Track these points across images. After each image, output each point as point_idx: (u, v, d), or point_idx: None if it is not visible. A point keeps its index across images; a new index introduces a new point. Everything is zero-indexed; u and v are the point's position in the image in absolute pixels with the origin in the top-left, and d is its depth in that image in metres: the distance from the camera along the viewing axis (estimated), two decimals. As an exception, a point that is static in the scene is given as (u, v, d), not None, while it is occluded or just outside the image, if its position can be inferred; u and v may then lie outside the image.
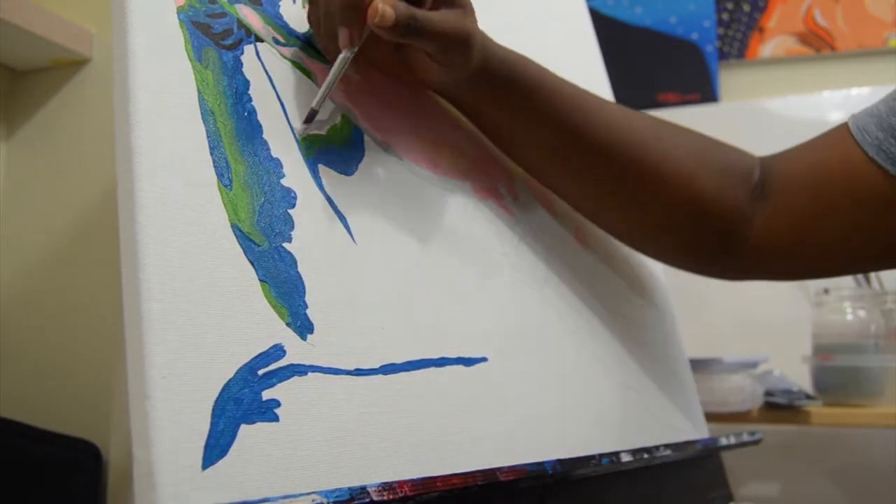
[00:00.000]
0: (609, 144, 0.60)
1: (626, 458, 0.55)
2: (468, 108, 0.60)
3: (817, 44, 1.49)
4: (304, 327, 0.40)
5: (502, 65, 0.58)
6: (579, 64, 0.86)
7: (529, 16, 0.79)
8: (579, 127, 0.60)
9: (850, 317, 1.09)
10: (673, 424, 0.70)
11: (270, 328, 0.39)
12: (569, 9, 0.89)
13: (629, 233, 0.67)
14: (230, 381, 0.36)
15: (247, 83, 0.43)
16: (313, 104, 0.49)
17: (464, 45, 0.54)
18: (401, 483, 0.38)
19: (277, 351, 0.38)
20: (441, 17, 0.52)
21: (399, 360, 0.45)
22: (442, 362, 0.48)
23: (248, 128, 0.42)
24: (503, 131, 0.61)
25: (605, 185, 0.62)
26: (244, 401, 0.36)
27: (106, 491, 0.67)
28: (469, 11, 0.55)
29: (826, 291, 1.12)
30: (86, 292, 0.72)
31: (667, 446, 0.58)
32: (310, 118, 0.49)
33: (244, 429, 0.35)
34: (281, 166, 0.43)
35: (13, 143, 0.77)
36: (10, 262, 0.74)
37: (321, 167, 0.46)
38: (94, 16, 0.75)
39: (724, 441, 0.68)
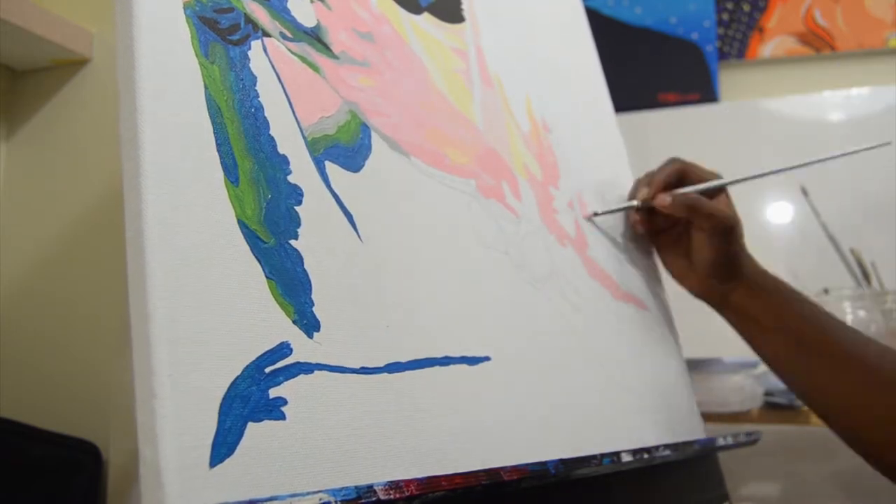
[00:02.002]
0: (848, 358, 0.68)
1: (626, 458, 0.55)
2: (731, 307, 0.73)
3: (817, 44, 1.49)
4: (310, 325, 0.40)
5: (766, 275, 0.73)
6: (576, 64, 0.86)
7: (528, 16, 0.79)
8: (824, 341, 0.69)
9: (850, 317, 1.09)
10: (672, 424, 0.70)
11: (277, 325, 0.38)
12: (567, 9, 0.89)
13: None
14: (237, 378, 0.36)
15: (254, 79, 0.43)
16: (599, 210, 0.73)
17: (730, 231, 0.70)
18: (407, 482, 0.38)
19: (284, 349, 0.38)
20: (713, 203, 0.71)
21: (404, 359, 0.45)
22: (446, 361, 0.48)
23: (254, 124, 0.42)
24: (754, 327, 0.73)
25: (836, 388, 0.69)
26: (251, 399, 0.36)
27: (106, 491, 0.67)
28: (736, 214, 0.72)
29: (826, 291, 1.12)
30: (86, 292, 0.71)
31: (666, 446, 0.58)
32: (593, 215, 0.73)
33: (251, 427, 0.35)
34: (288, 163, 0.43)
35: (13, 143, 0.76)
36: (10, 262, 0.74)
37: (328, 164, 0.45)
38: (94, 16, 0.75)
39: (721, 441, 0.68)
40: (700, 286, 0.75)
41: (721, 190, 0.74)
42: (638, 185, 0.76)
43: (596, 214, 0.74)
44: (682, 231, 0.75)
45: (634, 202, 0.75)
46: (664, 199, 0.71)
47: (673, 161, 0.75)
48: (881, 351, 0.66)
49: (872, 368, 0.65)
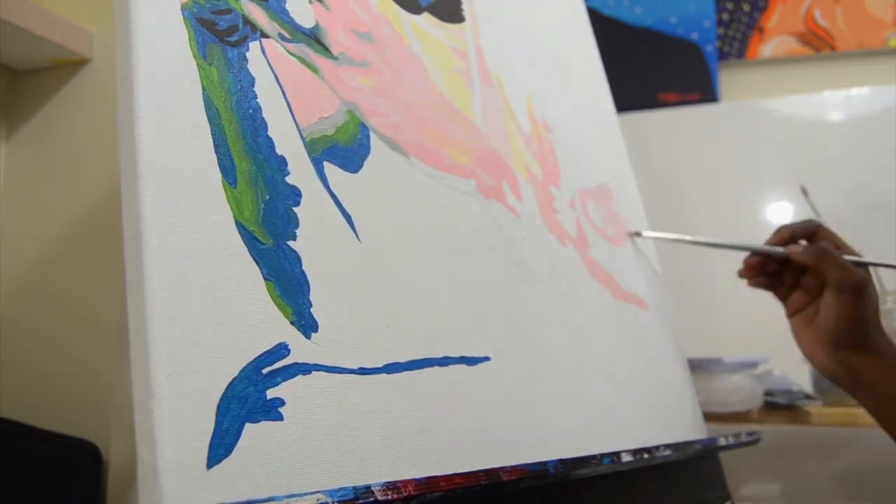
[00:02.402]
0: None
1: (626, 458, 0.55)
2: (864, 386, 0.67)
3: (817, 44, 1.49)
4: (308, 326, 0.40)
5: (890, 345, 0.67)
6: (577, 64, 0.86)
7: (528, 16, 0.79)
8: None
9: (849, 317, 1.09)
10: (672, 424, 0.70)
11: (275, 326, 0.38)
12: (567, 8, 0.89)
13: None
14: (235, 379, 0.36)
15: (252, 80, 0.43)
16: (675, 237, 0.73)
17: (857, 289, 0.65)
18: (405, 482, 0.38)
19: (282, 349, 0.38)
20: (842, 259, 0.66)
21: (403, 359, 0.45)
22: (445, 361, 0.48)
23: (252, 125, 0.42)
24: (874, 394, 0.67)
25: None
26: (249, 399, 0.36)
27: (106, 491, 0.67)
28: (868, 279, 0.67)
29: (826, 291, 1.12)
30: (86, 292, 0.71)
31: (667, 446, 0.58)
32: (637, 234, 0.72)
33: (249, 427, 0.35)
34: (286, 164, 0.43)
35: (13, 143, 0.77)
36: (10, 262, 0.74)
37: (326, 165, 0.45)
38: (94, 16, 0.75)
39: (722, 441, 0.68)
40: (827, 360, 0.68)
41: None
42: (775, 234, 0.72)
43: (639, 234, 0.71)
44: (811, 294, 0.70)
45: (764, 247, 0.70)
46: (795, 247, 0.69)
47: (810, 221, 0.71)
48: None
49: None
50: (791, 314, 0.73)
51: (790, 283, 0.72)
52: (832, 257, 0.67)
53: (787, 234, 0.70)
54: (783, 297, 0.73)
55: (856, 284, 0.65)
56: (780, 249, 0.70)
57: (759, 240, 0.73)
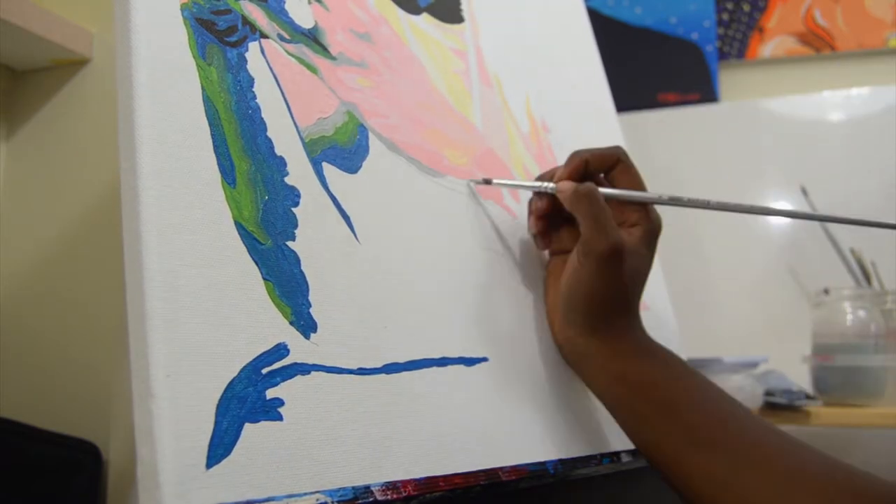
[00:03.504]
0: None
1: (626, 458, 0.55)
2: (609, 371, 0.54)
3: (817, 44, 1.49)
4: (307, 326, 0.40)
5: (639, 333, 0.55)
6: (576, 64, 0.86)
7: (528, 16, 0.79)
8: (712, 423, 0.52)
9: (850, 317, 1.09)
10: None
11: (274, 327, 0.39)
12: (567, 9, 0.89)
13: None
14: (234, 379, 0.36)
15: (251, 80, 0.43)
16: (494, 181, 0.58)
17: (602, 258, 0.52)
18: (404, 482, 0.38)
19: (281, 350, 0.38)
20: (608, 219, 0.52)
21: (401, 359, 0.45)
22: (443, 362, 0.48)
23: (251, 125, 0.42)
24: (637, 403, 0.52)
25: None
26: (248, 399, 0.36)
27: (106, 491, 0.67)
28: (640, 257, 0.55)
29: (826, 291, 1.12)
30: (86, 292, 0.71)
31: (667, 446, 0.58)
32: (486, 182, 0.58)
33: (248, 427, 0.35)
34: (285, 164, 0.43)
35: (13, 143, 0.77)
36: (10, 262, 0.74)
37: (325, 165, 0.45)
38: (94, 16, 0.75)
39: (724, 441, 0.68)
40: (566, 330, 0.56)
41: (645, 225, 0.56)
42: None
43: (487, 182, 0.58)
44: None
45: (548, 184, 0.57)
46: (566, 185, 0.54)
47: (613, 148, 0.57)
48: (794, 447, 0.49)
49: (700, 425, 0.51)
50: (552, 252, 0.60)
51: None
52: (594, 208, 0.52)
53: (579, 163, 0.56)
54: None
55: (602, 252, 0.51)
56: (550, 185, 0.56)
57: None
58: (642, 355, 0.54)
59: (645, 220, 0.56)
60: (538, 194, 0.58)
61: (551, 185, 0.56)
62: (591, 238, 0.52)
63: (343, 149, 0.47)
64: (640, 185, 0.57)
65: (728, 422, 0.52)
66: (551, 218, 0.58)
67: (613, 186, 0.56)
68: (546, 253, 0.61)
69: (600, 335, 0.54)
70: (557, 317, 0.57)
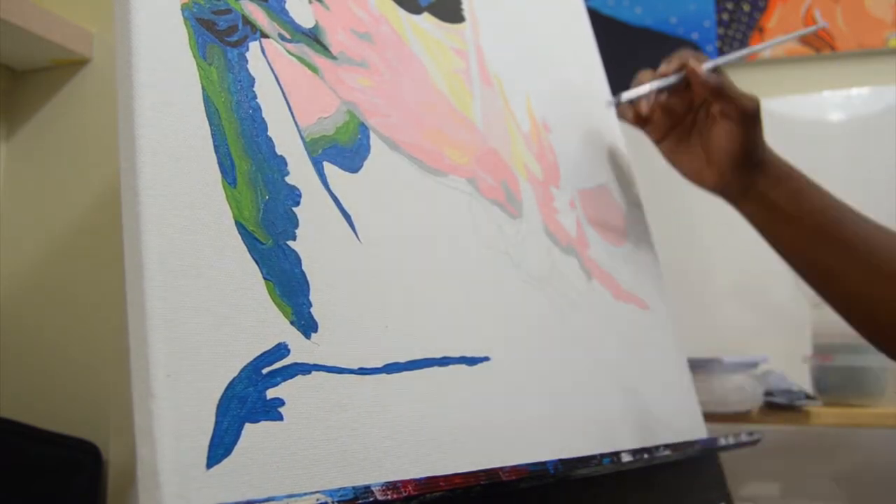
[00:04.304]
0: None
1: (626, 458, 0.55)
2: (751, 198, 0.72)
3: (817, 44, 1.49)
4: (308, 326, 0.40)
5: (784, 163, 0.72)
6: (577, 64, 0.86)
7: (528, 16, 0.79)
8: (839, 231, 0.69)
9: (850, 317, 1.09)
10: (672, 425, 0.70)
11: (275, 326, 0.39)
12: (567, 9, 0.89)
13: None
14: (234, 379, 0.36)
15: (252, 80, 0.43)
16: (624, 95, 0.74)
17: (757, 114, 0.69)
18: (405, 482, 0.38)
19: (282, 349, 0.38)
20: (739, 90, 0.69)
21: (402, 359, 0.45)
22: (444, 362, 0.48)
23: (252, 125, 0.42)
24: (773, 217, 0.72)
25: (850, 276, 0.68)
26: (248, 399, 0.36)
27: (106, 491, 0.67)
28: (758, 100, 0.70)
29: (826, 291, 1.12)
30: (86, 292, 0.71)
31: (667, 446, 0.58)
32: (624, 100, 0.74)
33: (248, 428, 0.35)
34: (285, 164, 0.43)
35: (13, 143, 0.77)
36: (10, 262, 0.74)
37: (326, 164, 0.45)
38: (94, 16, 0.75)
39: (722, 441, 0.68)
40: (720, 180, 0.73)
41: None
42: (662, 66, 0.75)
43: (618, 103, 0.74)
44: (695, 125, 0.74)
45: (658, 83, 0.73)
46: (699, 67, 0.71)
47: (681, 51, 0.74)
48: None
49: (886, 259, 0.65)
50: (659, 139, 0.77)
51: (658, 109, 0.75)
52: (730, 87, 0.69)
53: (679, 61, 0.73)
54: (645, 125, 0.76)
55: (755, 111, 0.70)
56: (677, 76, 0.73)
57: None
58: (780, 175, 0.72)
59: (744, 97, 0.71)
60: (661, 92, 0.74)
61: (680, 73, 0.72)
62: (746, 106, 0.69)
63: (344, 148, 0.47)
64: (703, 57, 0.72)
65: (844, 221, 0.69)
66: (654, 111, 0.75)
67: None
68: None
69: (760, 164, 0.71)
70: (713, 169, 0.72)
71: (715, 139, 0.72)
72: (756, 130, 0.70)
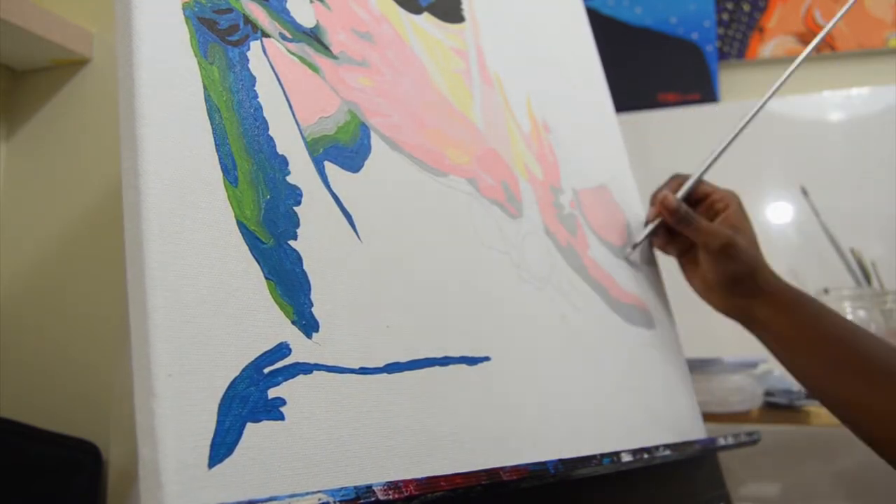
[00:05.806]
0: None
1: (626, 458, 0.55)
2: (757, 323, 0.71)
3: (817, 44, 1.49)
4: (309, 325, 0.40)
5: (790, 290, 0.70)
6: (576, 63, 0.86)
7: (528, 16, 0.79)
8: (857, 360, 0.65)
9: (850, 317, 1.09)
10: (672, 424, 0.70)
11: (276, 326, 0.38)
12: (567, 9, 0.89)
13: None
14: (236, 378, 0.36)
15: (253, 79, 0.43)
16: (634, 243, 0.76)
17: (724, 249, 0.69)
18: (406, 482, 0.38)
19: (283, 349, 0.38)
20: (707, 222, 0.71)
21: (403, 359, 0.45)
22: (445, 361, 0.48)
23: (253, 124, 0.42)
24: (782, 345, 0.70)
25: (874, 405, 0.64)
26: (250, 399, 0.36)
27: (106, 491, 0.67)
28: (741, 231, 0.71)
29: (826, 291, 1.12)
30: (86, 292, 0.71)
31: (666, 446, 0.58)
32: (633, 247, 0.75)
33: (250, 427, 0.35)
34: (287, 163, 0.43)
35: (13, 143, 0.77)
36: (10, 262, 0.74)
37: (327, 164, 0.45)
38: (94, 16, 0.75)
39: (722, 441, 0.68)
40: (722, 304, 0.73)
41: (730, 204, 0.73)
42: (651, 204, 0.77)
43: (634, 247, 0.76)
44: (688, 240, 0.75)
45: (651, 225, 0.75)
46: (669, 200, 0.72)
47: (674, 177, 0.75)
48: None
49: None
50: (679, 256, 0.77)
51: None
52: (694, 222, 0.71)
53: (660, 198, 0.73)
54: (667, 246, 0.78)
55: (720, 247, 0.69)
56: (653, 224, 0.75)
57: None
58: (784, 303, 0.69)
59: (728, 197, 0.73)
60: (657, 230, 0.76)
61: (651, 226, 0.75)
62: (706, 243, 0.70)
63: (345, 148, 0.47)
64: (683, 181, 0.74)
65: (860, 349, 0.65)
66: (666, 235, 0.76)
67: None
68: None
69: (756, 291, 0.70)
70: (715, 294, 0.73)
71: (703, 266, 0.73)
72: (735, 262, 0.70)
